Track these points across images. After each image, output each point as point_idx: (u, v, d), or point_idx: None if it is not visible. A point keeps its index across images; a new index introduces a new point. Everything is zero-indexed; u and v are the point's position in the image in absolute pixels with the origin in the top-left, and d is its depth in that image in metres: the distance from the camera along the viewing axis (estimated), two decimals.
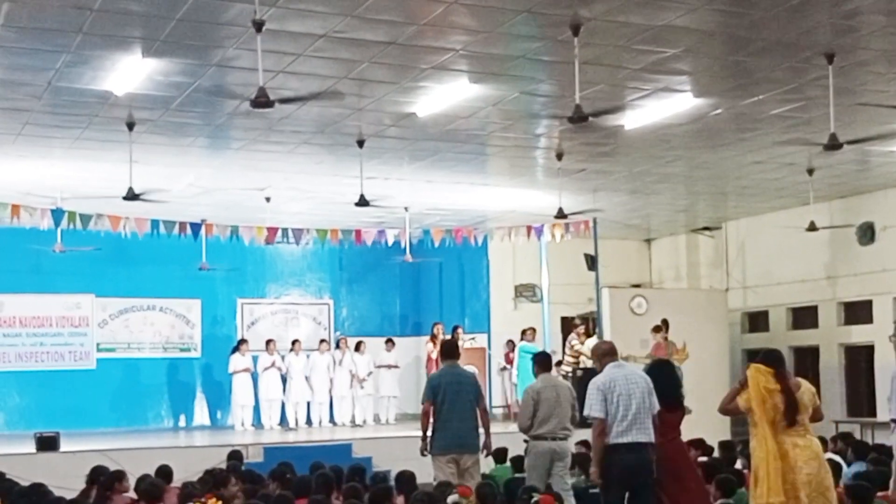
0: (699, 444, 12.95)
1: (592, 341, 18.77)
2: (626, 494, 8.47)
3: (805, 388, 8.13)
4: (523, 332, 19.52)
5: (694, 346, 18.52)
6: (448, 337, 18.61)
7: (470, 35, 9.60)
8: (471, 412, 10.09)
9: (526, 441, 10.25)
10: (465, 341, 19.45)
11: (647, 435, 8.43)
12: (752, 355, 20.64)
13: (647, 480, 8.45)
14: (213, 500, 6.87)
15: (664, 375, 9.20)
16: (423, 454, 10.17)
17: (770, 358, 8.14)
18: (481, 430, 10.27)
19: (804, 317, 20.02)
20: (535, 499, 7.16)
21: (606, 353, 8.97)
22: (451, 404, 9.97)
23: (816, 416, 8.23)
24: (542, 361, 10.48)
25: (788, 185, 17.15)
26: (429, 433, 10.08)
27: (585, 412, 8.60)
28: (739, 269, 21.15)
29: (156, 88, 10.99)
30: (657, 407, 8.60)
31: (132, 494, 9.38)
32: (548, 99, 11.95)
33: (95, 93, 11.10)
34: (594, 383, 8.58)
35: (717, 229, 21.73)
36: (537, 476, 9.89)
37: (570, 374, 18.09)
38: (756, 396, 7.79)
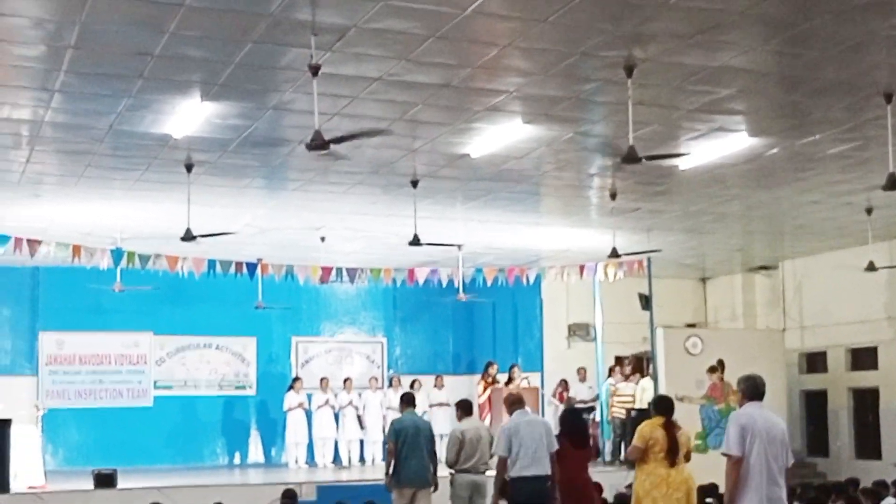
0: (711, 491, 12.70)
1: (647, 382, 18.68)
2: None
3: (683, 432, 9.92)
4: (611, 370, 19.69)
5: None
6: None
7: (523, 77, 9.64)
8: (424, 454, 11.71)
9: (451, 474, 11.66)
10: (521, 380, 19.39)
11: (544, 469, 10.36)
12: (810, 396, 20.58)
13: (544, 499, 10.24)
14: None
15: (574, 421, 11.47)
16: (388, 489, 11.71)
17: (659, 407, 9.99)
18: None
19: (863, 358, 19.71)
20: None
21: (514, 402, 10.96)
22: (411, 447, 11.61)
23: (688, 457, 9.91)
24: (464, 406, 12.17)
25: (846, 225, 16.95)
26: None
27: (493, 450, 10.85)
28: (797, 308, 20.90)
29: (213, 131, 11.15)
30: (555, 446, 10.53)
31: None
32: (601, 139, 11.94)
33: (155, 136, 11.28)
34: (502, 428, 10.63)
35: (774, 268, 21.50)
36: (462, 502, 11.51)
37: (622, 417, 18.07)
38: (648, 438, 9.60)
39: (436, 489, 11.87)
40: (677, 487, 9.51)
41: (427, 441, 11.82)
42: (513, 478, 10.39)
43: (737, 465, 8.01)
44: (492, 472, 11.25)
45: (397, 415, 19.54)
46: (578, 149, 12.34)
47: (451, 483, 11.65)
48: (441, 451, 12.79)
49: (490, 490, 11.21)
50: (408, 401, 12.37)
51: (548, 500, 10.33)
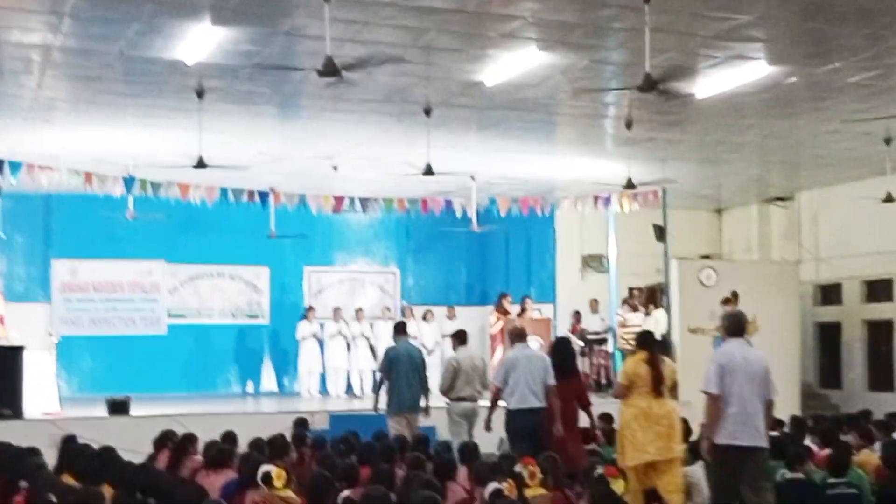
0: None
1: (660, 314, 18.65)
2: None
3: (667, 365, 10.20)
4: (624, 301, 19.66)
5: (764, 320, 18.17)
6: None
7: (539, 2, 9.48)
8: (417, 381, 12.15)
9: (447, 403, 12.08)
10: (533, 312, 19.39)
11: (539, 402, 10.68)
12: (824, 329, 20.55)
13: (534, 435, 10.41)
14: (279, 470, 6.89)
15: (562, 351, 11.46)
16: (375, 411, 12.37)
17: (642, 341, 10.20)
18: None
19: (879, 290, 19.64)
20: (599, 471, 7.10)
21: (516, 336, 11.28)
22: (405, 374, 12.05)
23: (674, 392, 10.28)
24: (460, 336, 12.41)
25: (864, 155, 16.77)
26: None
27: (491, 379, 11.14)
28: (812, 240, 20.78)
29: (225, 57, 11.03)
30: (552, 381, 10.77)
31: (200, 458, 9.48)
32: (617, 67, 11.78)
33: (166, 61, 11.17)
34: (501, 360, 11.10)
35: (790, 200, 21.34)
36: (456, 429, 11.87)
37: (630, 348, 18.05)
38: (632, 374, 9.83)
39: (427, 415, 12.28)
40: (658, 420, 9.61)
41: (419, 369, 12.25)
42: (508, 409, 10.76)
43: (715, 402, 8.25)
44: (484, 402, 11.72)
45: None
46: (594, 77, 12.17)
47: (447, 411, 12.10)
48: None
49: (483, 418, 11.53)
50: (400, 329, 12.76)
51: (541, 432, 10.56)
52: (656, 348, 10.11)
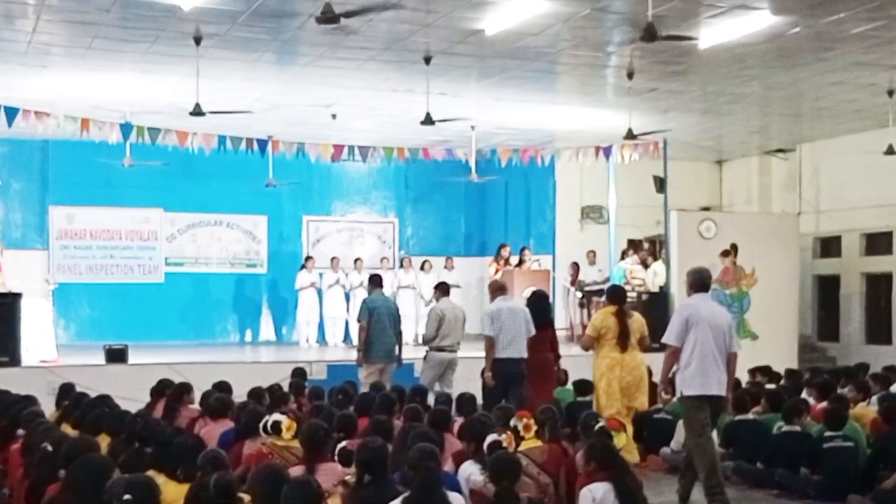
0: (766, 371, 12.83)
1: (659, 265, 18.61)
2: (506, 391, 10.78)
3: (635, 318, 10.69)
4: (623, 253, 19.61)
5: (763, 272, 18.24)
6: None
7: None
8: (393, 331, 12.62)
9: (427, 351, 12.41)
10: (532, 263, 19.34)
11: (521, 352, 10.99)
12: (823, 281, 20.53)
13: (520, 381, 10.90)
14: (290, 421, 6.87)
15: (539, 301, 11.86)
16: (359, 364, 12.51)
17: (611, 296, 10.89)
18: None
19: (878, 243, 19.58)
20: (600, 423, 7.08)
21: (497, 289, 11.62)
22: (382, 325, 12.51)
23: (643, 344, 10.73)
24: (442, 288, 12.79)
25: (867, 107, 16.65)
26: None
27: (481, 331, 11.26)
28: (813, 192, 20.70)
29: (222, 2, 10.91)
30: (532, 332, 11.13)
31: (197, 407, 9.48)
32: (619, 16, 11.64)
33: (163, 6, 11.04)
34: (486, 310, 11.31)
35: (791, 151, 21.21)
36: (433, 377, 12.14)
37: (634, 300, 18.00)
38: (600, 327, 10.45)
39: (399, 364, 12.73)
40: (630, 371, 10.41)
41: (395, 320, 12.74)
42: (498, 358, 11.00)
43: (673, 354, 8.57)
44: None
45: (408, 295, 19.94)
46: (596, 25, 12.03)
47: (426, 359, 12.41)
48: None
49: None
50: (376, 282, 13.15)
51: (523, 379, 11.01)
52: (623, 303, 10.77)
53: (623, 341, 10.43)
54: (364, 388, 10.97)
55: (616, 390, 10.37)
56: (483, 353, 11.30)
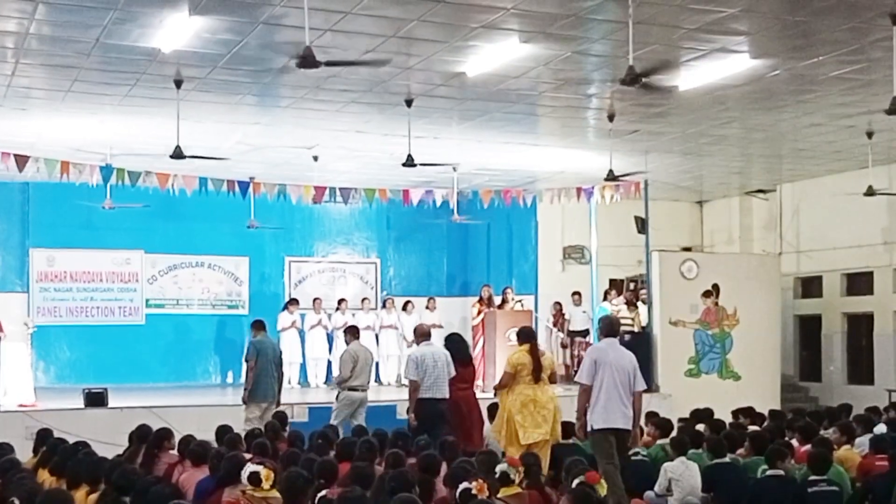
0: (748, 413, 12.77)
1: (643, 308, 18.59)
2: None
3: (546, 356, 11.56)
4: (606, 293, 19.63)
5: (745, 312, 18.27)
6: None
7: None
8: (274, 372, 13.35)
9: (340, 391, 13.14)
10: (514, 303, 19.32)
11: (443, 393, 11.77)
12: (805, 321, 20.57)
13: (443, 420, 11.61)
14: (268, 471, 6.75)
15: (457, 342, 12.62)
16: (243, 402, 13.24)
17: (524, 336, 11.49)
18: None
19: (859, 283, 19.66)
20: (581, 478, 6.98)
21: (422, 335, 12.36)
22: (264, 366, 13.21)
23: (552, 378, 11.50)
24: (353, 331, 13.66)
25: (847, 148, 16.77)
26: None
27: (405, 375, 12.24)
28: (793, 232, 20.79)
29: (203, 46, 10.91)
30: (453, 373, 11.91)
31: (175, 453, 9.37)
32: (600, 59, 11.70)
33: (143, 50, 11.03)
34: (412, 356, 12.05)
35: (772, 192, 21.34)
36: (346, 415, 12.84)
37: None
38: (516, 364, 11.14)
39: (278, 405, 13.31)
40: (544, 405, 11.04)
41: (279, 363, 13.58)
42: (421, 398, 11.71)
43: (586, 391, 9.73)
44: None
45: (391, 335, 19.90)
46: (576, 68, 12.10)
47: (338, 398, 13.13)
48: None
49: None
50: (260, 326, 13.85)
51: (444, 417, 11.75)
52: (535, 341, 11.60)
53: (536, 376, 11.13)
54: (247, 427, 12.00)
55: (531, 425, 11.00)
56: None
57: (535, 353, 11.27)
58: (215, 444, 9.25)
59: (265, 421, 12.34)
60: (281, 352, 13.86)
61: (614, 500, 8.88)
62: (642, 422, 10.84)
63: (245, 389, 13.33)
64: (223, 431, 10.03)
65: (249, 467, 6.74)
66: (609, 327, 10.18)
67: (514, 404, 11.08)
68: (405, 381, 19.13)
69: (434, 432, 10.91)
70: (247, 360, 13.49)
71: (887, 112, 10.69)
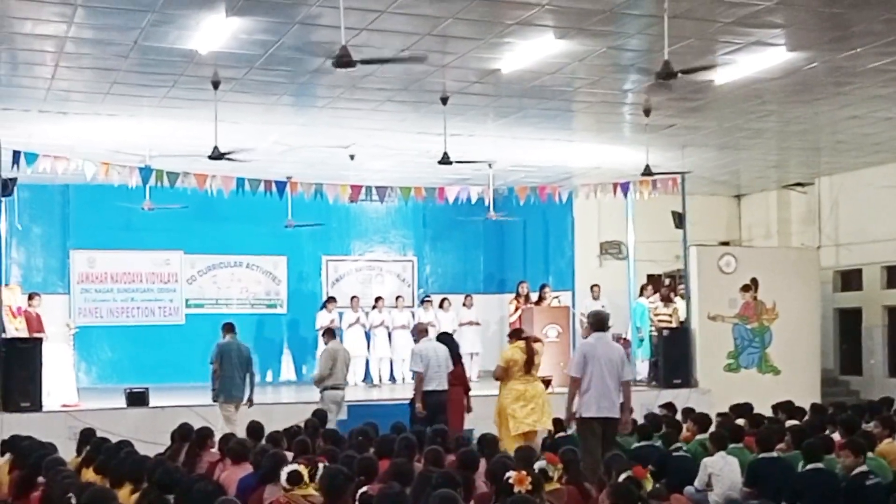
0: (787, 407, 12.69)
1: (679, 301, 18.51)
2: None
3: (538, 348, 12.43)
4: (642, 288, 19.44)
5: (784, 306, 18.14)
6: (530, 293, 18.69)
7: None
8: (241, 372, 13.84)
9: (322, 391, 13.70)
10: (551, 299, 19.30)
11: (443, 385, 12.66)
12: (844, 315, 20.40)
13: (444, 410, 12.50)
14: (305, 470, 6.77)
15: (449, 342, 13.32)
16: (214, 401, 13.78)
17: (515, 333, 12.74)
18: None
19: None
20: (628, 474, 6.96)
21: (421, 332, 13.42)
22: (231, 366, 13.75)
23: (537, 369, 12.42)
24: (330, 332, 14.61)
25: (885, 140, 16.62)
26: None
27: (410, 368, 13.35)
28: (832, 226, 20.61)
29: (240, 47, 10.99)
30: (451, 367, 12.85)
31: (216, 451, 9.46)
32: (635, 54, 11.68)
33: (181, 52, 11.14)
34: (415, 350, 12.89)
35: (810, 185, 21.17)
36: (334, 414, 13.45)
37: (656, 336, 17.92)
38: (509, 360, 12.16)
39: (251, 405, 13.74)
40: (532, 398, 12.05)
41: (246, 363, 13.97)
42: (426, 390, 12.49)
43: (576, 383, 10.31)
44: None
45: (429, 333, 19.90)
46: (612, 64, 12.07)
47: (322, 399, 13.65)
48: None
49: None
50: (229, 328, 14.39)
51: (445, 408, 12.60)
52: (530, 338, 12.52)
53: (528, 370, 12.15)
54: (226, 426, 12.77)
55: (521, 416, 11.98)
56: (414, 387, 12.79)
57: (528, 349, 12.21)
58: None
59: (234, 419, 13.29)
60: (249, 354, 14.21)
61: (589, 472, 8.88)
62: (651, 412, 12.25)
63: (212, 390, 13.88)
64: (255, 427, 10.08)
65: (287, 468, 6.77)
66: (598, 322, 10.67)
67: (506, 398, 12.11)
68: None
69: (435, 420, 11.73)
70: (211, 363, 14.01)
71: None
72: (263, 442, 9.44)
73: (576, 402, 10.38)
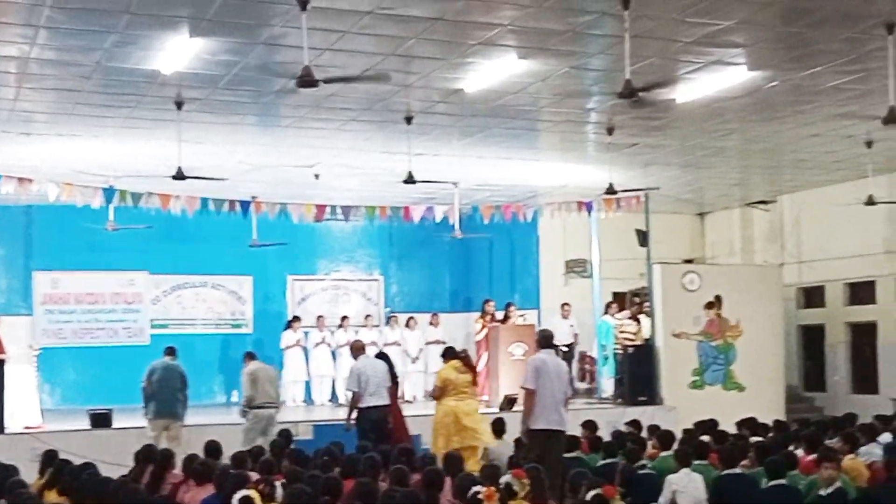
0: (751, 424, 12.76)
1: (646, 320, 18.60)
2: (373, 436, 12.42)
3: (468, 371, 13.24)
4: (607, 306, 19.52)
5: (748, 323, 18.29)
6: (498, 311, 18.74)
7: (518, 10, 9.45)
8: (175, 390, 14.20)
9: (246, 410, 13.87)
10: (517, 318, 19.34)
11: (384, 400, 13.00)
12: (808, 331, 20.57)
13: (385, 424, 12.86)
14: (255, 493, 6.74)
15: (387, 361, 13.77)
16: (145, 416, 14.07)
17: (449, 353, 13.43)
18: None
19: (861, 292, 19.66)
20: (595, 491, 6.98)
21: (359, 349, 13.62)
22: (161, 381, 14.10)
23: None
24: (250, 354, 14.66)
25: (846, 158, 16.80)
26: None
27: (346, 387, 13.35)
28: (795, 243, 20.81)
29: (203, 67, 10.98)
30: (389, 383, 13.28)
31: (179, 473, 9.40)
32: (598, 73, 11.77)
33: (144, 72, 11.11)
34: (353, 369, 13.18)
35: (773, 203, 21.37)
36: (255, 435, 13.46)
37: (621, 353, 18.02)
38: (445, 379, 12.87)
39: (181, 423, 14.11)
40: (466, 414, 12.71)
41: (179, 381, 14.26)
42: (360, 408, 12.84)
43: (531, 396, 10.87)
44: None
45: (395, 351, 19.90)
46: (575, 83, 12.16)
47: (247, 417, 13.85)
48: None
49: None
50: (170, 351, 14.73)
51: (387, 422, 12.97)
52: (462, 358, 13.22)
53: (462, 390, 12.87)
54: (151, 440, 12.94)
55: (455, 432, 12.60)
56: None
57: (462, 368, 12.98)
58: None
59: (174, 435, 13.72)
60: (180, 371, 14.41)
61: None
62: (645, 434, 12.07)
63: (144, 408, 14.19)
64: (211, 446, 10.24)
65: (238, 494, 6.73)
66: (545, 340, 11.39)
67: (438, 416, 12.81)
68: (409, 399, 19.47)
69: (379, 434, 12.35)
70: (142, 381, 14.32)
71: (884, 122, 10.77)
72: (226, 461, 9.40)
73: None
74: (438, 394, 12.87)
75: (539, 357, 11.22)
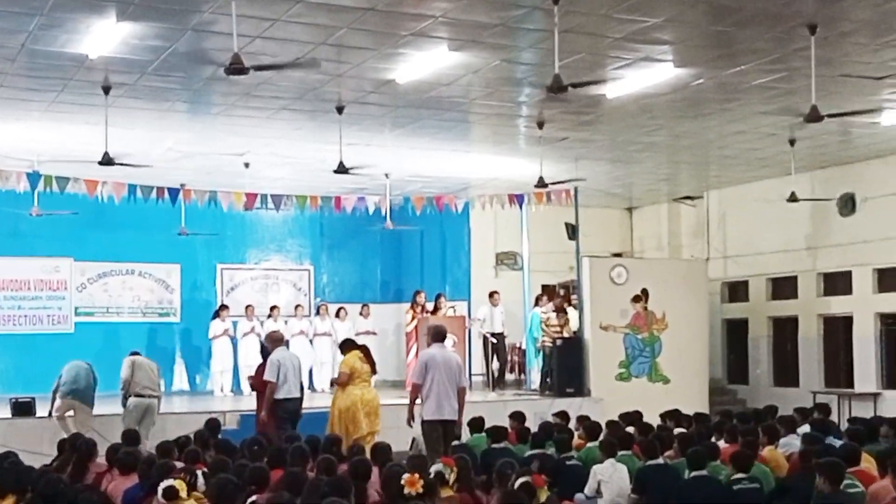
0: (675, 416, 12.96)
1: (572, 311, 18.78)
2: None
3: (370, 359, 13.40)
4: (537, 299, 19.61)
5: (674, 317, 18.53)
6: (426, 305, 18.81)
7: (450, 2, 9.48)
8: (87, 379, 14.40)
9: (126, 398, 13.94)
10: (447, 309, 19.41)
11: (298, 392, 13.03)
12: (732, 325, 20.93)
13: (298, 416, 12.95)
14: (180, 482, 6.69)
15: (366, 355, 13.52)
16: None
17: (349, 344, 13.62)
18: None
19: (784, 287, 20.05)
20: (523, 479, 7.03)
21: (276, 340, 13.52)
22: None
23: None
24: (135, 352, 14.75)
25: (770, 156, 17.11)
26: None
27: (265, 377, 12.83)
28: (720, 238, 21.15)
29: (131, 52, 10.85)
30: (303, 377, 13.96)
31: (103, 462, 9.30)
32: (529, 67, 11.85)
33: (70, 56, 10.95)
34: (270, 359, 12.94)
35: (699, 198, 21.69)
36: (131, 421, 13.45)
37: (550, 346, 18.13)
38: (351, 366, 13.01)
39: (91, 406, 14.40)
40: (368, 403, 12.95)
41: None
42: (277, 399, 12.78)
43: (416, 389, 11.59)
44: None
45: (325, 342, 19.88)
46: (506, 77, 12.23)
47: (125, 406, 13.92)
48: None
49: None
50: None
51: (300, 414, 13.10)
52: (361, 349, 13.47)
53: (374, 373, 13.35)
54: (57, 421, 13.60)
55: (360, 420, 12.77)
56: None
57: (365, 357, 13.25)
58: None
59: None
60: (89, 366, 14.75)
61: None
62: (574, 424, 12.20)
63: (52, 395, 14.24)
64: (129, 434, 10.37)
65: (163, 484, 6.68)
66: (437, 335, 11.81)
67: (344, 402, 12.88)
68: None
69: (295, 425, 12.55)
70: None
71: (806, 120, 10.99)
72: (151, 451, 9.32)
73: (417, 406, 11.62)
74: (345, 380, 13.02)
75: (428, 352, 11.76)
